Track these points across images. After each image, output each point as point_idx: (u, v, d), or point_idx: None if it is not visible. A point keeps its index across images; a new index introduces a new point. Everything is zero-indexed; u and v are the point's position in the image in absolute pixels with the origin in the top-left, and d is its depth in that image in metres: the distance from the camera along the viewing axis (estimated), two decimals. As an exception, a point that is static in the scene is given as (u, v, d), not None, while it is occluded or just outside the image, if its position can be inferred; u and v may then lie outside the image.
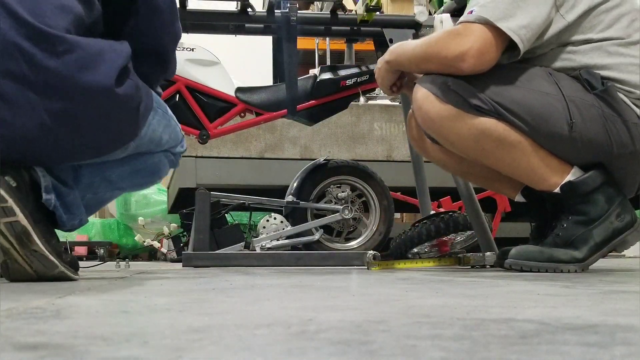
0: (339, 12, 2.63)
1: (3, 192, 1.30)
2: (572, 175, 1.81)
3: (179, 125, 1.77)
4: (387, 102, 4.38)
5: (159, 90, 1.78)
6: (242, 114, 2.64)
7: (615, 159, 1.80)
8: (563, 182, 1.80)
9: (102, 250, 4.94)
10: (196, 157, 3.56)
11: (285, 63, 2.58)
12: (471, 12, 1.79)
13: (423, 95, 1.82)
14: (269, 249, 2.79)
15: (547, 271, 1.78)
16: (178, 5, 1.87)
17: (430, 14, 2.61)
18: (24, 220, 1.33)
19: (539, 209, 1.95)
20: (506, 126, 1.77)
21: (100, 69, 1.36)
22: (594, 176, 1.80)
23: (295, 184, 2.98)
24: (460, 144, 1.83)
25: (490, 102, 1.77)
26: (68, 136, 1.38)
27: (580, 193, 1.79)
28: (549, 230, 1.87)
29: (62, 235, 4.22)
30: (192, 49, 2.58)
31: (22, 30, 1.29)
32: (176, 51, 1.71)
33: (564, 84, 1.80)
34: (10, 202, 1.31)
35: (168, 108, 1.72)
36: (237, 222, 3.39)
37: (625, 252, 5.43)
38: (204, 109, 2.55)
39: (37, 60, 1.30)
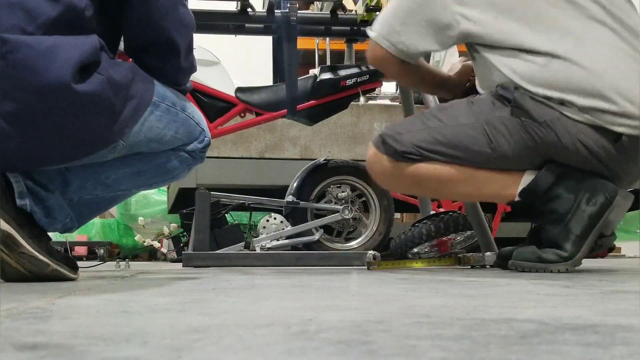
0: (339, 12, 2.63)
1: None
2: (525, 180, 1.82)
3: (196, 118, 1.64)
4: (387, 102, 4.38)
5: (188, 85, 1.68)
6: (242, 114, 2.63)
7: (555, 157, 1.81)
8: (519, 191, 1.82)
9: (102, 250, 4.93)
10: (196, 157, 3.56)
11: (285, 63, 2.58)
12: None
13: (369, 156, 1.99)
14: (269, 249, 2.79)
15: (537, 271, 1.78)
16: None
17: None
18: (5, 226, 1.32)
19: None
20: (436, 165, 1.87)
21: (52, 66, 1.28)
22: (545, 174, 1.80)
23: (295, 184, 2.98)
24: (412, 191, 1.99)
25: (414, 147, 1.87)
26: (31, 140, 1.33)
27: (539, 194, 1.79)
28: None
29: (62, 236, 4.22)
30: (192, 49, 2.58)
31: None
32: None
33: (482, 108, 1.85)
34: None
35: (181, 101, 1.60)
36: (237, 222, 3.39)
37: (625, 252, 5.44)
38: (204, 109, 2.55)
39: None
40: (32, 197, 1.41)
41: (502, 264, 2.03)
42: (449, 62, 2.58)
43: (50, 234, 1.49)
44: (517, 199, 1.82)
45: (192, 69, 1.66)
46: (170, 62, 1.58)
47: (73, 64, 1.30)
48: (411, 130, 1.91)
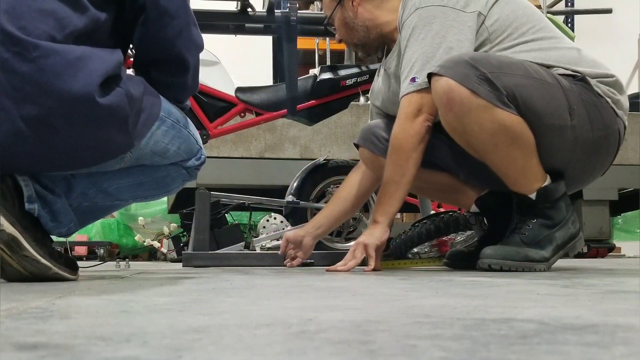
0: (339, 12, 2.63)
1: None
2: (547, 182, 1.92)
3: (195, 136, 1.68)
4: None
5: (187, 103, 1.72)
6: (242, 114, 2.63)
7: (594, 142, 1.92)
8: (540, 187, 1.90)
9: (102, 250, 4.93)
10: (196, 157, 3.56)
11: (285, 63, 2.58)
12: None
13: (453, 84, 1.81)
14: (269, 249, 2.79)
15: (523, 270, 1.85)
16: None
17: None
18: (9, 228, 1.32)
19: (492, 217, 2.13)
20: (525, 126, 1.84)
21: (79, 76, 1.30)
22: (562, 184, 1.93)
23: (295, 184, 2.98)
24: (477, 135, 1.86)
25: (514, 96, 1.82)
26: (47, 145, 1.34)
27: (550, 199, 1.90)
28: (509, 231, 1.96)
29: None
30: (192, 49, 2.57)
31: None
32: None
33: (555, 74, 1.91)
34: None
35: (183, 118, 1.64)
36: (237, 222, 3.39)
37: (625, 252, 5.44)
38: (204, 109, 2.55)
39: (10, 65, 1.26)
40: (40, 200, 1.41)
41: (456, 263, 2.17)
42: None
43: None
44: (533, 194, 1.90)
45: (196, 88, 1.71)
46: (177, 79, 1.62)
47: (99, 76, 1.33)
48: (507, 72, 1.83)
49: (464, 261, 2.11)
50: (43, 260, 1.38)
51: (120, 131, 1.41)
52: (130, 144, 1.46)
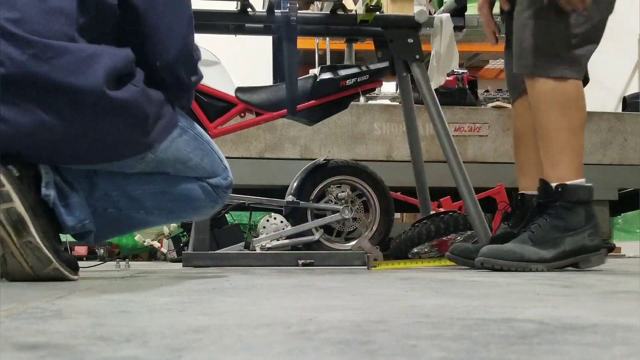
0: (339, 12, 2.63)
1: (2, 178, 1.33)
2: (577, 180, 1.90)
3: (220, 155, 1.70)
4: (387, 102, 4.38)
5: (184, 116, 1.73)
6: (242, 114, 2.63)
7: None
8: (560, 183, 1.89)
9: (102, 250, 4.93)
10: (196, 157, 3.56)
11: (285, 63, 2.57)
12: None
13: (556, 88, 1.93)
14: (269, 249, 2.79)
15: (517, 270, 1.84)
16: None
17: (430, 13, 2.61)
18: (20, 207, 1.34)
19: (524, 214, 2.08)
20: (581, 97, 1.92)
21: (89, 71, 1.37)
22: (586, 189, 1.92)
23: (295, 184, 2.98)
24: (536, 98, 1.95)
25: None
26: (67, 136, 1.40)
27: (568, 198, 1.89)
28: (521, 229, 1.96)
29: (62, 236, 4.21)
30: (192, 49, 2.57)
31: (10, 42, 1.33)
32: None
33: None
34: (8, 187, 1.33)
35: (207, 136, 1.69)
36: (237, 222, 3.39)
37: (625, 252, 5.44)
38: (204, 108, 2.55)
39: (26, 67, 1.33)
40: (57, 191, 1.44)
41: (458, 258, 2.14)
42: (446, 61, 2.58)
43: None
44: (557, 184, 1.90)
45: (200, 78, 1.71)
46: (172, 83, 1.63)
47: (107, 70, 1.39)
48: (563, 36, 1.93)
49: (467, 257, 2.09)
50: (46, 251, 1.38)
51: (139, 128, 1.46)
52: (149, 144, 1.51)
